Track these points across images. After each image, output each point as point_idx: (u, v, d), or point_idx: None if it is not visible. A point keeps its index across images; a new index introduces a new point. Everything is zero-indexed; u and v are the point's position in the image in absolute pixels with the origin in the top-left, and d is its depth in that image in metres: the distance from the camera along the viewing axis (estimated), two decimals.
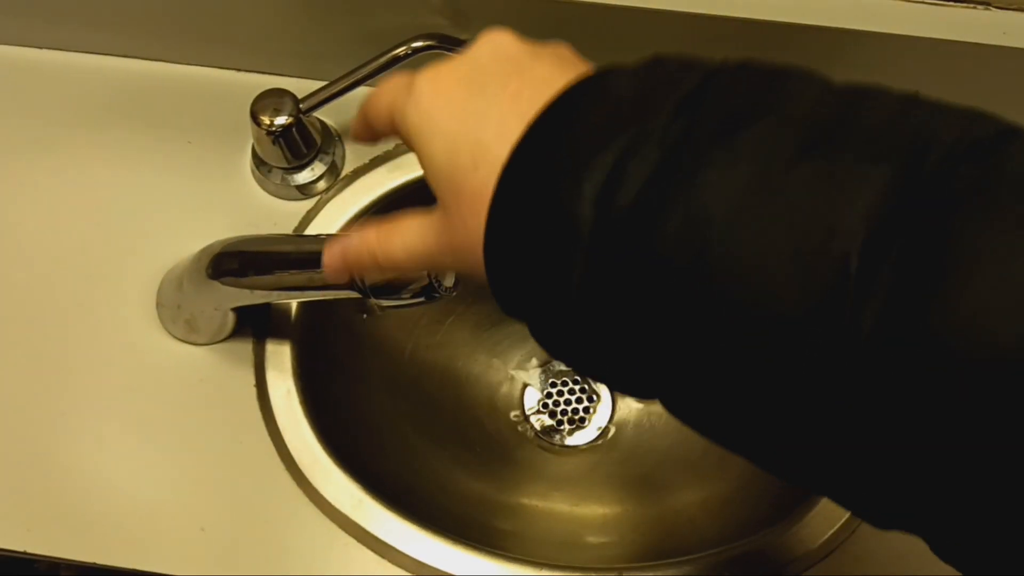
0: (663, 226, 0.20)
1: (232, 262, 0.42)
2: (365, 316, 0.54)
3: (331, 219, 0.50)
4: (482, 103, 0.24)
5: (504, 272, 0.24)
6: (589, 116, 0.22)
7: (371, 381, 0.53)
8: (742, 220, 0.19)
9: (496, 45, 0.26)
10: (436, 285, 0.36)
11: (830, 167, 0.19)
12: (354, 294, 0.38)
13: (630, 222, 0.20)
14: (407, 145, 0.27)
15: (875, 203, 0.18)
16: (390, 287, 0.36)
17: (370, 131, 0.30)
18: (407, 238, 0.28)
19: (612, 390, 0.22)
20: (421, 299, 0.37)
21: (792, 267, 0.18)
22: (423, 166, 0.26)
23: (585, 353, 0.24)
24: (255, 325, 0.48)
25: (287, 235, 0.49)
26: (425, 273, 0.36)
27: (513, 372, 0.59)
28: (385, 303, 0.38)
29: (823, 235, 0.18)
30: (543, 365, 0.59)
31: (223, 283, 0.42)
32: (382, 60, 0.46)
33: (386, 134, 0.29)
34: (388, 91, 0.28)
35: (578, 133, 0.22)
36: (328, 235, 0.49)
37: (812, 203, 0.18)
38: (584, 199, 0.21)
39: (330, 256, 0.31)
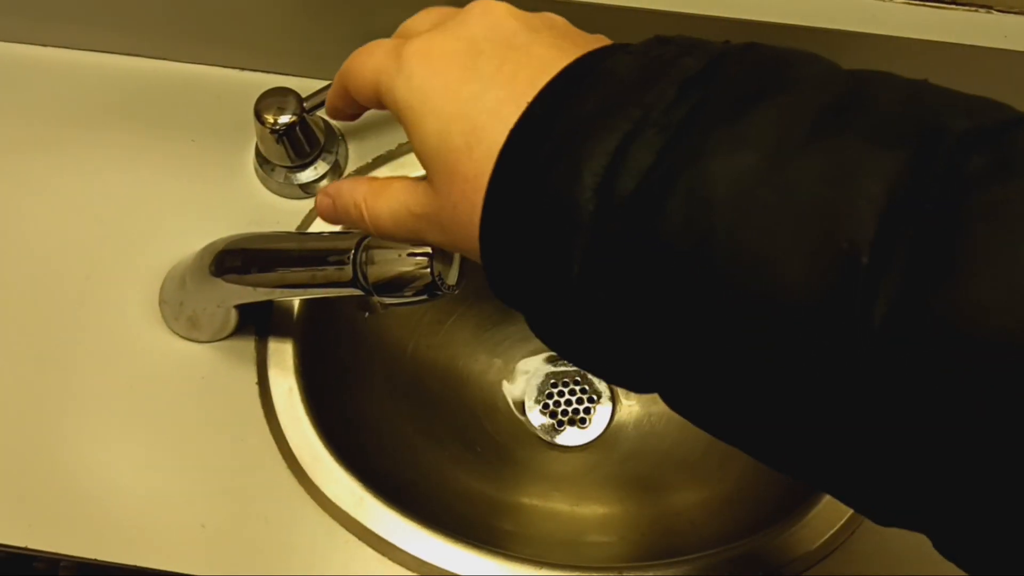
0: (665, 212, 0.19)
1: (235, 259, 0.42)
2: (367, 314, 0.54)
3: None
4: (477, 84, 0.23)
5: (501, 260, 0.23)
6: (588, 99, 0.21)
7: (373, 380, 0.54)
8: (748, 206, 0.18)
9: (491, 19, 0.25)
10: (439, 283, 0.36)
11: (839, 154, 0.18)
12: (357, 291, 0.38)
13: (632, 209, 0.20)
14: (395, 118, 0.26)
15: (886, 193, 0.17)
16: (392, 284, 0.37)
17: (350, 104, 0.29)
18: (394, 204, 0.27)
19: (610, 383, 0.22)
20: (423, 297, 0.37)
21: (800, 256, 0.18)
22: (413, 144, 0.25)
23: (583, 344, 0.23)
24: (257, 323, 0.48)
25: (290, 232, 0.49)
26: (428, 271, 0.36)
27: (514, 372, 0.59)
28: (387, 300, 0.38)
29: (832, 225, 0.18)
30: (544, 365, 0.59)
31: (226, 280, 0.42)
32: None
33: (368, 107, 0.28)
34: (372, 62, 0.26)
35: (577, 117, 0.21)
36: (332, 233, 0.49)
37: (821, 191, 0.18)
38: (584, 186, 0.20)
39: (322, 201, 0.30)
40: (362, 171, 0.52)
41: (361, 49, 0.27)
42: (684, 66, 0.21)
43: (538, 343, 0.59)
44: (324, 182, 0.52)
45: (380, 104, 0.27)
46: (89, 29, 0.54)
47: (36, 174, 0.52)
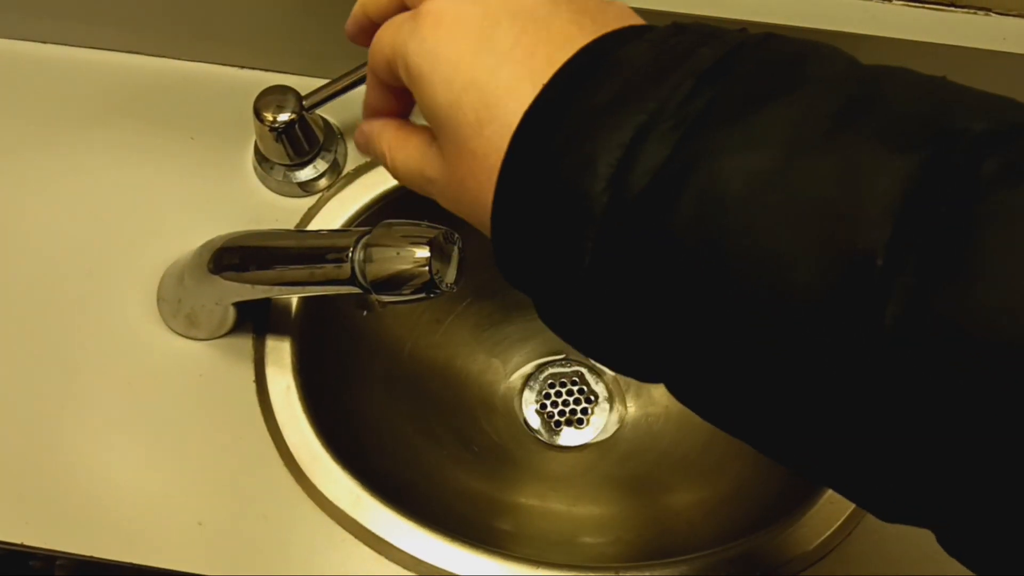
0: (678, 208, 0.19)
1: (233, 257, 0.42)
2: (365, 312, 0.54)
3: (333, 216, 0.50)
4: (492, 57, 0.23)
5: (511, 244, 0.23)
6: (604, 87, 0.21)
7: (371, 379, 0.54)
8: (760, 206, 0.18)
9: None
10: (437, 281, 0.36)
11: (855, 153, 0.18)
12: (355, 290, 0.38)
13: (645, 203, 0.20)
14: (407, 86, 0.25)
15: (900, 194, 0.17)
16: (391, 283, 0.37)
17: (385, 98, 0.28)
18: (409, 163, 0.27)
19: (615, 372, 0.22)
20: (422, 295, 0.37)
21: (811, 257, 0.18)
22: (423, 112, 0.25)
23: (590, 332, 0.23)
24: (256, 321, 0.48)
25: (289, 230, 0.49)
26: (426, 269, 0.36)
27: (512, 372, 0.59)
28: (386, 299, 0.38)
29: (846, 226, 0.17)
30: (542, 365, 0.59)
31: (224, 278, 0.42)
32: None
33: (395, 86, 0.27)
34: (389, 32, 0.26)
35: (592, 105, 0.21)
36: (330, 231, 0.49)
37: (833, 191, 0.18)
38: (598, 177, 0.20)
39: (359, 137, 0.31)
40: (360, 171, 0.52)
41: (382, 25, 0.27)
42: (701, 57, 0.21)
43: (537, 343, 0.59)
44: (323, 181, 0.52)
45: (397, 79, 0.26)
46: (88, 26, 0.54)
47: (35, 172, 0.52)
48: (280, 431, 0.46)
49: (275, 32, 0.52)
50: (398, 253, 0.36)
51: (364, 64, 0.47)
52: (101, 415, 0.47)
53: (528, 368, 0.59)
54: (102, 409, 0.47)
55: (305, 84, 0.49)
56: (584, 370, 0.59)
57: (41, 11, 0.54)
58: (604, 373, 0.59)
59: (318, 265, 0.38)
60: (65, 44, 0.55)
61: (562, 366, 0.59)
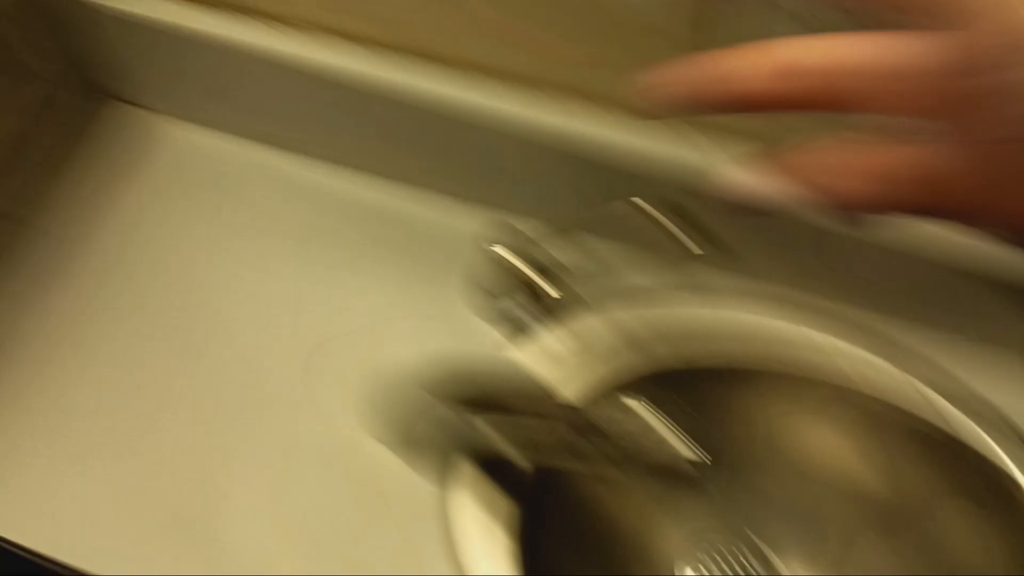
0: None
1: (484, 403, 0.41)
2: (594, 480, 0.53)
3: (551, 363, 0.50)
4: None
5: None
6: None
7: (571, 539, 0.51)
8: None
9: None
10: (689, 472, 0.36)
11: None
12: (607, 469, 0.37)
13: None
14: (954, 15, 0.19)
15: None
16: (647, 469, 0.36)
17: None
18: (923, 153, 0.19)
19: None
20: (670, 477, 0.37)
21: None
22: (991, 36, 0.18)
23: None
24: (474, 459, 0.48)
25: (545, 389, 0.46)
26: (683, 459, 0.36)
27: (688, 544, 0.56)
28: (631, 474, 0.37)
29: None
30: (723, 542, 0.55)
31: (451, 412, 0.42)
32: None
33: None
34: None
35: None
36: (578, 404, 0.45)
37: None
38: None
39: (751, 181, 0.21)
40: (582, 318, 0.52)
41: None
42: None
43: (722, 519, 0.55)
44: (542, 322, 0.51)
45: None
46: (323, 141, 0.58)
47: (276, 265, 0.56)
48: (461, 561, 0.45)
49: (510, 175, 0.54)
50: (658, 438, 0.36)
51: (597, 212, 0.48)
52: (282, 505, 0.48)
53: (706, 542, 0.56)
54: (287, 501, 0.48)
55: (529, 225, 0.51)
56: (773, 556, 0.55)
57: (280, 121, 0.58)
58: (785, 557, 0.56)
59: (569, 436, 0.38)
60: (299, 153, 0.59)
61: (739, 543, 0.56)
